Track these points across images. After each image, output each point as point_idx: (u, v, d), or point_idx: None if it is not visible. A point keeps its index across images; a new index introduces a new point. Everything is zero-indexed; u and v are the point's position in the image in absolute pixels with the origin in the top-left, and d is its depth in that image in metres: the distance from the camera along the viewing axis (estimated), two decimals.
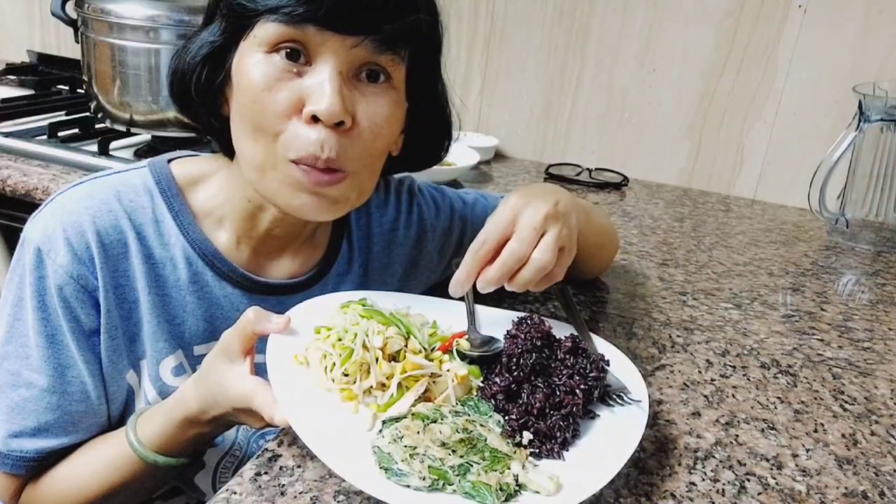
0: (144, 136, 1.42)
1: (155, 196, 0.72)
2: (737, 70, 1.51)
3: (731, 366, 0.84)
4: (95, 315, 0.69)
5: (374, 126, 0.65)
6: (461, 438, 0.57)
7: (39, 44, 2.10)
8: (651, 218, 1.39)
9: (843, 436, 0.73)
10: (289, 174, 0.64)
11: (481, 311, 0.76)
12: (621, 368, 0.70)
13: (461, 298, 0.72)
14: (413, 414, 0.59)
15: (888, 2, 1.38)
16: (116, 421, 0.74)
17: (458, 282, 0.67)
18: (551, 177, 1.59)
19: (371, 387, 0.60)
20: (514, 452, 0.58)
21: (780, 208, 1.54)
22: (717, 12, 1.50)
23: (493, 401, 0.63)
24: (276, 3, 0.61)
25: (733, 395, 0.78)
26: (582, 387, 0.62)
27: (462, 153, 1.51)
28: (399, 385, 0.61)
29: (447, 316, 0.73)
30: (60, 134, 1.39)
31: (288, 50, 0.62)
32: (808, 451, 0.69)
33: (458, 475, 0.53)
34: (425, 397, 0.62)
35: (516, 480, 0.54)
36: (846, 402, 0.79)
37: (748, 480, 0.64)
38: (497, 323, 0.73)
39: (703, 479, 0.63)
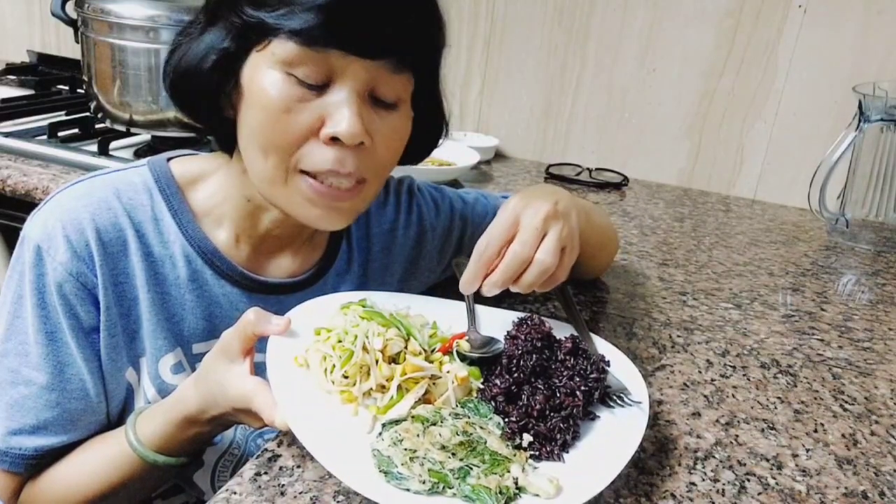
0: (144, 136, 1.42)
1: (154, 194, 0.72)
2: (737, 70, 1.51)
3: (731, 366, 0.84)
4: (95, 313, 0.69)
5: (388, 142, 0.67)
6: (461, 441, 0.57)
7: (39, 44, 2.10)
8: (651, 218, 1.39)
9: (843, 436, 0.72)
10: (302, 188, 0.65)
11: (481, 311, 0.76)
12: (621, 369, 0.70)
13: (462, 297, 0.72)
14: (413, 416, 0.59)
15: (888, 2, 1.38)
16: (115, 419, 0.74)
17: (465, 283, 0.68)
18: (551, 177, 1.59)
19: (371, 389, 0.60)
20: (514, 455, 0.58)
21: (780, 208, 1.54)
22: (717, 12, 1.49)
23: (493, 402, 0.63)
24: (299, 25, 0.60)
25: (733, 395, 0.78)
26: (582, 388, 0.62)
27: (462, 153, 1.51)
28: (399, 387, 0.61)
29: (447, 316, 0.73)
30: (60, 134, 1.39)
31: (307, 70, 0.62)
32: (808, 451, 0.69)
33: (457, 478, 0.53)
34: (425, 399, 0.61)
35: (516, 483, 0.54)
36: (846, 402, 0.79)
37: (748, 480, 0.64)
38: (497, 323, 0.73)
39: (703, 479, 0.63)
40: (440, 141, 0.80)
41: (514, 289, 0.67)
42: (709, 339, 0.91)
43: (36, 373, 0.68)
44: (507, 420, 0.61)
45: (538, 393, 0.62)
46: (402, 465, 0.53)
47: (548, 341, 0.67)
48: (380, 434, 0.57)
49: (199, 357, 0.69)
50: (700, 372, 0.82)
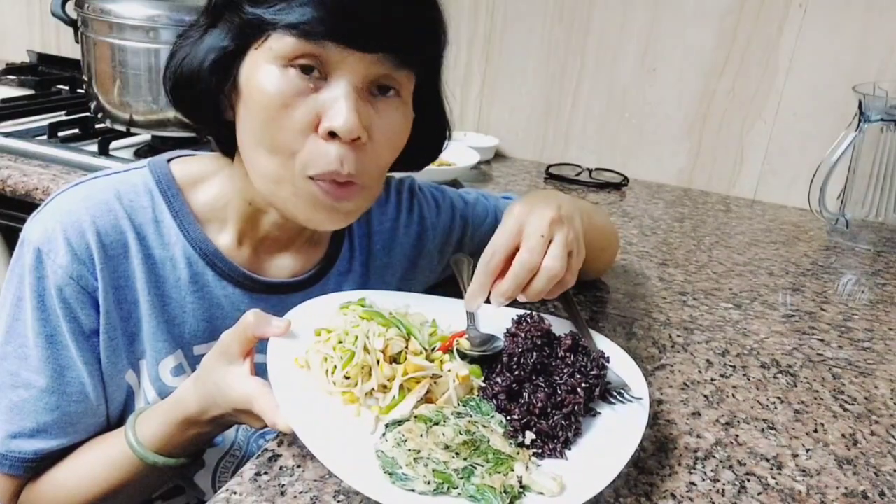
0: (144, 136, 1.42)
1: (155, 196, 0.72)
2: (737, 70, 1.51)
3: (731, 366, 0.84)
4: (95, 315, 0.69)
5: (387, 140, 0.66)
6: (464, 441, 0.57)
7: (39, 44, 2.10)
8: (651, 218, 1.39)
9: (843, 436, 0.73)
10: (306, 190, 0.65)
11: (480, 308, 0.76)
12: (621, 366, 0.70)
13: (461, 295, 0.72)
14: (415, 416, 0.59)
15: (888, 2, 1.38)
16: (115, 421, 0.74)
17: (472, 295, 0.67)
18: (551, 177, 1.59)
19: (373, 389, 0.60)
20: (517, 453, 0.58)
21: (780, 208, 1.54)
22: (718, 12, 1.50)
23: (494, 401, 0.63)
24: (296, 19, 0.60)
25: (733, 395, 0.78)
26: (583, 385, 0.63)
27: (462, 153, 1.51)
28: (401, 387, 0.61)
29: (446, 314, 0.73)
30: (60, 134, 1.39)
31: (304, 65, 0.62)
32: (808, 451, 0.69)
33: (462, 478, 0.53)
34: (427, 398, 0.61)
35: (520, 482, 0.54)
36: (846, 402, 0.79)
37: (748, 480, 0.64)
38: (496, 320, 0.73)
39: (703, 479, 0.63)
40: (444, 145, 0.79)
41: (521, 298, 0.66)
42: (709, 339, 0.91)
43: (35, 376, 0.68)
44: (509, 418, 0.61)
45: (539, 390, 0.62)
46: (407, 465, 0.53)
47: (547, 338, 0.67)
48: (383, 435, 0.57)
49: (199, 359, 0.69)
50: (700, 372, 0.82)
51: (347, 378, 0.60)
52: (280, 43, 0.61)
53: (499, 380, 0.63)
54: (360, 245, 0.84)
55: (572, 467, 0.57)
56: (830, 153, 1.29)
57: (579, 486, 0.54)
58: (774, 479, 0.65)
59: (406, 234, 0.87)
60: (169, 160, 0.76)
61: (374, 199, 0.71)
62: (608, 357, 0.68)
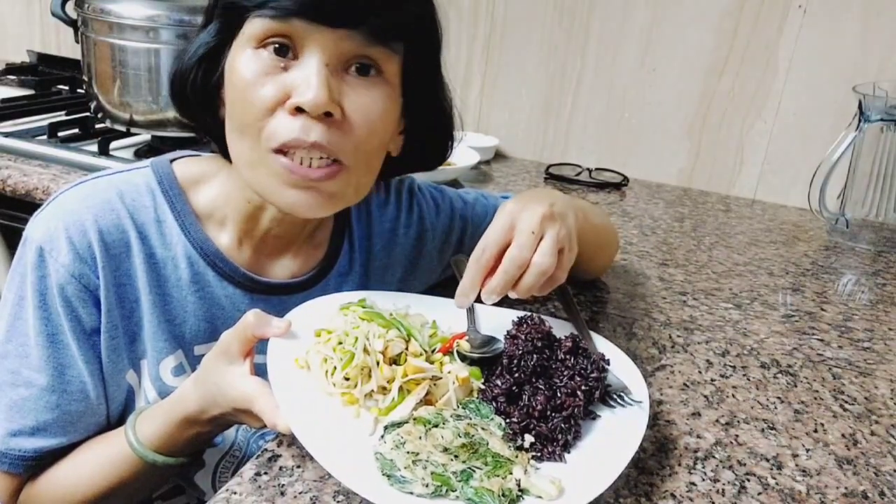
0: (144, 136, 1.42)
1: (157, 196, 0.72)
2: (737, 70, 1.51)
3: (731, 366, 0.84)
4: (96, 314, 0.69)
5: (366, 120, 0.65)
6: (463, 443, 0.57)
7: (39, 44, 2.10)
8: (651, 218, 1.39)
9: (843, 436, 0.73)
10: (273, 167, 0.64)
11: (481, 310, 0.76)
12: (621, 368, 0.70)
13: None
14: (415, 418, 0.59)
15: (888, 2, 1.38)
16: (116, 421, 0.74)
17: (463, 292, 0.67)
18: (551, 177, 1.59)
19: (372, 390, 0.60)
20: (516, 456, 0.58)
21: (780, 208, 1.54)
22: (717, 12, 1.50)
23: (494, 403, 0.63)
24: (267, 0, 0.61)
25: (733, 395, 0.78)
26: (583, 388, 0.62)
27: (462, 153, 1.51)
28: (400, 388, 0.61)
29: (447, 315, 0.73)
30: (60, 134, 1.39)
31: (276, 45, 0.63)
32: (808, 451, 0.69)
33: (460, 481, 0.53)
34: (426, 400, 0.61)
35: (518, 485, 0.54)
36: (846, 402, 0.79)
37: (748, 480, 0.64)
38: (497, 322, 0.73)
39: (703, 479, 0.63)
40: (449, 147, 0.79)
41: (513, 294, 0.66)
42: (709, 339, 0.91)
43: (36, 374, 0.68)
44: (508, 421, 0.61)
45: (539, 393, 0.62)
46: (405, 468, 0.53)
47: (548, 341, 0.67)
48: (382, 437, 0.57)
49: (200, 359, 0.69)
50: (700, 372, 0.82)
51: (347, 379, 0.60)
52: (252, 26, 0.63)
53: (498, 382, 0.63)
54: (361, 246, 0.84)
55: (571, 471, 0.57)
56: (830, 153, 1.29)
57: (577, 490, 0.54)
58: (774, 479, 0.65)
59: (406, 235, 0.87)
60: (172, 160, 0.76)
61: (361, 186, 0.70)
62: (608, 360, 0.68)
